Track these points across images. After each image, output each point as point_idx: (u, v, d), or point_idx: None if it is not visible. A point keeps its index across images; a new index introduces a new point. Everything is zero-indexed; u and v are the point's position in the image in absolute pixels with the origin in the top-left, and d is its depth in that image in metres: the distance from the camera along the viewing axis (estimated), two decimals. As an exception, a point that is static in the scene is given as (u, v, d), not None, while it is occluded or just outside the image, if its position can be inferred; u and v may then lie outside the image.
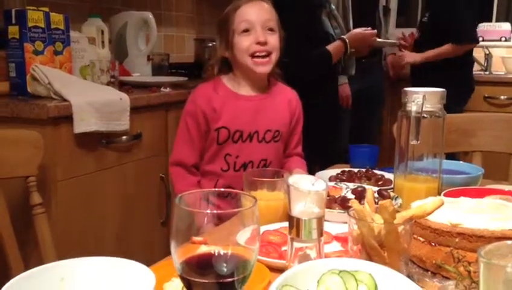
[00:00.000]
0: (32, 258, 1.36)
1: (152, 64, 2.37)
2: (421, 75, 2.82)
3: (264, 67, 1.41)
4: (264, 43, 1.39)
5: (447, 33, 2.72)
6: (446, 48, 2.76)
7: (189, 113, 1.43)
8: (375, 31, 2.19)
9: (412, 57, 2.93)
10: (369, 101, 2.77)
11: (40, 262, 0.65)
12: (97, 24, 2.06)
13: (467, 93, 2.93)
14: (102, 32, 2.06)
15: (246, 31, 1.39)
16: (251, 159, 1.43)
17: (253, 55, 1.39)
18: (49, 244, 1.25)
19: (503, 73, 3.57)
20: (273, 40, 1.41)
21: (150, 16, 2.28)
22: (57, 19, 1.73)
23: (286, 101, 1.50)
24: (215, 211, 0.50)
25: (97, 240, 1.70)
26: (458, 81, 2.80)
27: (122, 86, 1.97)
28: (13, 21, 1.63)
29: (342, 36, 2.12)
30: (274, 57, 1.42)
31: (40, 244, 1.25)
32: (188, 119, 1.43)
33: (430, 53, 2.80)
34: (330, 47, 2.08)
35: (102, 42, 2.07)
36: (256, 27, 1.39)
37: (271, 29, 1.41)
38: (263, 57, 1.40)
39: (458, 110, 2.50)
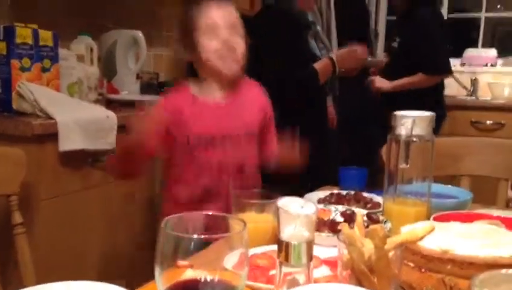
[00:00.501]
0: (12, 279, 1.31)
1: (141, 83, 2.36)
2: (391, 100, 2.71)
3: (231, 67, 1.38)
4: (231, 43, 1.37)
5: (419, 62, 2.66)
6: (418, 78, 2.67)
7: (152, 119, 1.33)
8: (365, 47, 2.13)
9: (381, 82, 2.81)
10: (363, 120, 2.79)
11: (20, 284, 0.62)
12: (86, 42, 2.05)
13: (439, 119, 2.93)
14: (92, 50, 2.05)
15: (212, 32, 1.36)
16: (225, 161, 1.39)
17: (221, 57, 1.36)
18: (29, 266, 1.22)
19: (489, 98, 3.62)
20: (240, 41, 1.39)
21: (139, 34, 2.28)
22: (46, 36, 1.72)
23: (255, 99, 1.48)
24: (202, 236, 0.49)
25: (80, 261, 1.66)
26: (429, 108, 2.79)
27: (110, 103, 1.95)
28: (1, 37, 1.61)
29: (329, 55, 2.09)
30: (241, 57, 1.39)
31: (20, 265, 1.22)
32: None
33: (401, 82, 2.72)
34: (317, 65, 2.06)
35: (91, 60, 2.06)
36: (222, 28, 1.37)
37: (236, 31, 1.39)
38: (230, 57, 1.37)
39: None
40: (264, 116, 1.48)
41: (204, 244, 0.49)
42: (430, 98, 2.71)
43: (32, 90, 1.58)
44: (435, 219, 0.97)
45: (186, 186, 1.40)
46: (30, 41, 1.66)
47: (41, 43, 1.70)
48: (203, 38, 1.36)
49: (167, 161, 1.44)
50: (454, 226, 0.83)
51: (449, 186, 1.27)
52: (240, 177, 1.41)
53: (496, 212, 1.09)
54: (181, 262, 0.50)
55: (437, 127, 2.84)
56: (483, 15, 4.15)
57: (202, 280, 0.50)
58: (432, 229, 0.68)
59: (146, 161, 1.38)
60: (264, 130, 1.49)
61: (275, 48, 1.96)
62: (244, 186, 1.39)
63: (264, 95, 1.52)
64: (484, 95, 3.74)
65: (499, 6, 4.33)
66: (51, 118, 1.51)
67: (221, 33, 1.36)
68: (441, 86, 2.88)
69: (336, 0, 2.75)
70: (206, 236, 0.49)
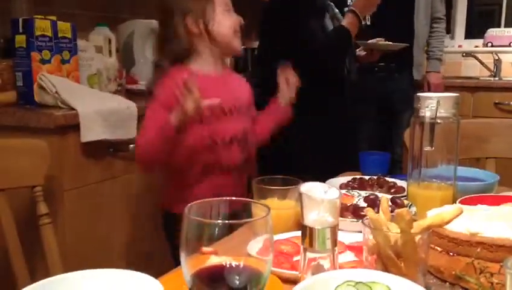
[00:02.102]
0: (38, 269, 1.34)
1: (159, 73, 2.36)
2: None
3: (240, 44, 1.50)
4: (242, 23, 1.48)
5: None
6: None
7: (160, 102, 1.36)
8: None
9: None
10: (392, 107, 2.75)
11: (47, 274, 0.63)
12: (104, 33, 2.05)
13: None
14: (110, 41, 2.06)
15: (228, 10, 1.46)
16: (234, 132, 1.45)
17: (235, 32, 1.46)
18: (56, 256, 1.24)
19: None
20: None
21: (156, 24, 2.28)
22: (64, 28, 1.73)
23: (239, 78, 1.59)
24: (226, 221, 0.48)
25: (105, 250, 1.68)
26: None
27: (129, 94, 1.96)
28: (20, 30, 1.63)
29: (350, 8, 2.00)
30: None
31: (47, 256, 1.23)
32: (157, 107, 1.36)
33: None
34: (344, 23, 1.99)
35: (110, 51, 2.06)
36: (232, 10, 1.47)
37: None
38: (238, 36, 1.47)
39: None
40: (249, 96, 1.56)
41: (228, 230, 0.49)
42: None
43: (54, 82, 1.59)
44: (461, 203, 0.95)
45: (192, 159, 1.42)
46: (49, 33, 1.67)
47: (60, 35, 1.71)
48: (222, 15, 1.44)
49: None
50: (482, 209, 0.82)
51: (475, 169, 1.24)
52: (245, 147, 1.49)
53: (524, 194, 1.06)
54: (205, 248, 0.49)
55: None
56: (505, -7, 4.03)
57: (227, 266, 0.49)
58: (460, 213, 0.67)
59: (173, 146, 1.36)
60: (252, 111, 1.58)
61: (296, 23, 1.92)
62: (248, 158, 1.51)
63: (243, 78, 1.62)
64: (508, 76, 3.65)
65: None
66: (72, 109, 1.52)
67: (233, 15, 1.47)
68: None
69: None
70: (230, 222, 0.48)
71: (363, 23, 1.99)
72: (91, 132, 1.53)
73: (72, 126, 1.50)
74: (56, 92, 1.57)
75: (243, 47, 2.67)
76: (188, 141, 1.39)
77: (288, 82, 1.55)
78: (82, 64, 1.83)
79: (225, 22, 1.44)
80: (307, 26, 1.92)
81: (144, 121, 1.41)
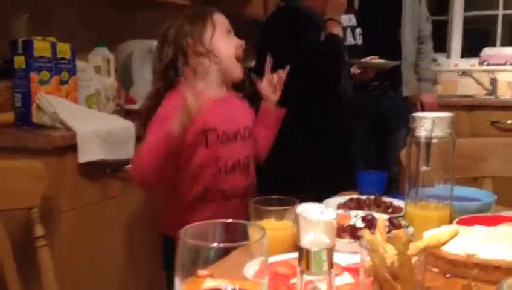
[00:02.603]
0: (34, 291, 1.33)
1: (158, 93, 2.37)
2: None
3: (241, 70, 1.48)
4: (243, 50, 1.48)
5: None
6: None
7: (165, 118, 1.30)
8: None
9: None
10: (387, 124, 2.77)
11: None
12: (103, 53, 2.07)
13: None
14: (109, 61, 2.07)
15: (228, 35, 1.46)
16: (238, 158, 1.44)
17: (236, 58, 1.46)
18: (52, 278, 1.23)
19: (509, 97, 3.56)
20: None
21: (155, 44, 2.30)
22: (64, 49, 1.74)
23: (243, 100, 1.56)
24: (221, 244, 0.48)
25: (102, 271, 1.66)
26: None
27: (128, 114, 1.96)
28: (19, 51, 1.64)
29: (326, 17, 2.06)
30: None
31: (43, 278, 1.22)
32: (158, 121, 1.33)
33: None
34: (329, 30, 2.04)
35: (108, 71, 2.08)
36: (232, 33, 1.48)
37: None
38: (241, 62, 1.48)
39: None
40: (250, 119, 1.54)
41: (224, 253, 0.48)
42: None
43: (52, 102, 1.60)
44: (459, 223, 0.95)
45: (194, 184, 1.40)
46: (48, 54, 1.68)
47: (59, 56, 1.72)
48: (220, 39, 1.44)
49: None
50: (479, 229, 0.82)
51: (472, 188, 1.24)
52: (248, 174, 1.48)
53: (521, 214, 1.06)
54: (201, 271, 0.49)
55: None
56: (500, 12, 4.09)
57: (223, 289, 0.49)
58: (456, 233, 0.67)
59: (173, 162, 1.34)
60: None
61: (293, 39, 1.95)
62: (250, 184, 1.49)
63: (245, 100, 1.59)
64: (504, 94, 3.68)
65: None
66: (70, 129, 1.53)
67: (234, 38, 1.47)
68: None
69: None
70: (226, 245, 0.48)
71: (354, 43, 2.03)
72: (89, 152, 1.53)
73: (70, 147, 1.50)
74: (54, 113, 1.57)
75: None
76: (192, 163, 1.38)
77: (271, 82, 1.52)
78: (81, 84, 1.84)
79: (226, 44, 1.45)
80: (307, 37, 1.95)
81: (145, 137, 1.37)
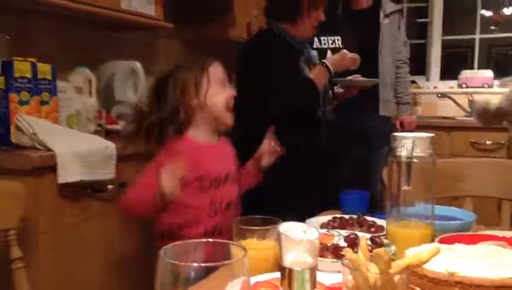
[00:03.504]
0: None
1: (140, 113, 2.36)
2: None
3: (232, 118, 1.55)
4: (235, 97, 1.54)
5: None
6: None
7: (157, 165, 1.39)
8: (357, 56, 2.13)
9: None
10: (370, 143, 2.80)
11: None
12: (84, 73, 2.06)
13: None
14: (90, 81, 2.06)
15: (223, 85, 1.53)
16: (231, 198, 1.53)
17: (227, 108, 1.52)
18: (28, 301, 1.20)
19: (487, 118, 3.63)
20: None
21: (137, 65, 2.30)
22: (44, 69, 1.73)
23: (230, 144, 1.64)
24: (202, 264, 0.48)
25: (80, 294, 1.63)
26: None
27: (109, 134, 1.95)
28: (-1, 71, 1.62)
29: (322, 60, 2.11)
30: None
31: (19, 301, 1.19)
32: (154, 168, 1.40)
33: None
34: (311, 74, 2.07)
35: (90, 91, 2.06)
36: (227, 84, 1.55)
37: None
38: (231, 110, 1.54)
39: None
40: (235, 162, 1.62)
41: (205, 273, 0.48)
42: None
43: (31, 123, 1.58)
44: (440, 241, 0.96)
45: (193, 226, 1.46)
46: (29, 75, 1.67)
47: (39, 76, 1.71)
48: (216, 89, 1.51)
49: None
50: (460, 248, 0.82)
51: (452, 207, 1.26)
52: (238, 211, 1.57)
53: (501, 233, 1.07)
54: (181, 292, 0.48)
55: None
56: (477, 36, 4.19)
57: (203, 310, 0.48)
58: (437, 252, 0.67)
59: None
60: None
61: (269, 67, 1.98)
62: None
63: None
64: (482, 116, 3.75)
65: (492, 27, 4.39)
66: (49, 150, 1.50)
67: (227, 89, 1.54)
68: None
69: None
70: (206, 264, 0.48)
71: (332, 72, 2.06)
72: (68, 173, 1.51)
73: (49, 167, 1.48)
74: (33, 133, 1.55)
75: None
76: (190, 207, 1.46)
77: (270, 151, 1.59)
78: (61, 104, 1.82)
79: (219, 96, 1.51)
80: (278, 74, 1.97)
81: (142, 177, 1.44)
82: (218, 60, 1.57)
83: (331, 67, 2.05)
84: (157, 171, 1.35)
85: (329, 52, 2.59)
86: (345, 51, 2.13)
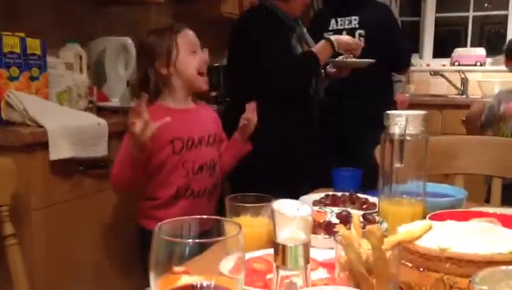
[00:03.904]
0: (4, 291, 1.29)
1: (131, 90, 2.34)
2: (347, 96, 2.61)
3: (206, 83, 1.62)
4: (207, 63, 1.62)
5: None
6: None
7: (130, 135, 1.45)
8: (362, 43, 2.14)
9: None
10: (360, 122, 2.79)
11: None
12: (75, 49, 2.03)
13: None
14: (81, 57, 2.03)
15: (194, 52, 1.58)
16: (204, 160, 1.59)
17: (199, 73, 1.59)
18: (22, 277, 1.20)
19: (479, 97, 3.64)
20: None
21: (129, 41, 2.27)
22: (34, 45, 1.70)
23: (208, 111, 1.72)
24: (197, 240, 0.48)
25: (74, 271, 1.63)
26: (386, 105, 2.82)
27: (101, 111, 1.93)
28: (-12, 47, 1.59)
29: (327, 36, 2.08)
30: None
31: (13, 278, 1.19)
32: (128, 139, 1.46)
33: None
34: (314, 48, 2.05)
35: (81, 68, 2.04)
36: (199, 49, 1.60)
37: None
38: (205, 75, 1.61)
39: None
40: (217, 127, 1.69)
41: (199, 249, 0.48)
42: (389, 96, 2.79)
43: (21, 99, 1.56)
44: (431, 218, 0.96)
45: (167, 186, 1.54)
46: (18, 50, 1.64)
47: (29, 52, 1.68)
48: (184, 56, 1.56)
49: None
50: (452, 224, 0.83)
51: (444, 185, 1.27)
52: (214, 174, 1.63)
53: (491, 209, 1.08)
54: (176, 268, 0.49)
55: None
56: (471, 14, 4.18)
57: (198, 285, 0.49)
58: (430, 228, 0.67)
59: (144, 167, 1.49)
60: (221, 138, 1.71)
61: (261, 42, 1.97)
62: (216, 183, 1.65)
63: (217, 116, 1.74)
64: (474, 94, 3.76)
65: (486, 5, 4.37)
66: (40, 126, 1.49)
67: (198, 52, 1.59)
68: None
69: None
70: (201, 241, 0.48)
71: (336, 49, 2.03)
72: (60, 149, 1.50)
73: (40, 144, 1.47)
74: (24, 109, 1.54)
75: (216, 64, 2.69)
76: (163, 168, 1.53)
77: (249, 121, 1.65)
78: (52, 81, 1.80)
79: (189, 63, 1.57)
80: (269, 51, 1.95)
81: (118, 153, 1.51)
82: (190, 28, 1.62)
83: (335, 45, 2.02)
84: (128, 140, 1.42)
85: (344, 33, 2.51)
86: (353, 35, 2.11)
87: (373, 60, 2.34)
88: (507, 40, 2.68)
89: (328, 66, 2.30)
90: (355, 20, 2.59)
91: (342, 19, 2.61)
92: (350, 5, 2.56)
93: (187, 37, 1.59)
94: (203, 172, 1.58)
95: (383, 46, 2.48)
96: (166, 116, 1.41)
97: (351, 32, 2.53)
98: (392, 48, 2.57)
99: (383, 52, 2.43)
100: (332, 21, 2.63)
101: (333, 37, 2.07)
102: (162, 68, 1.56)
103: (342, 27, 2.62)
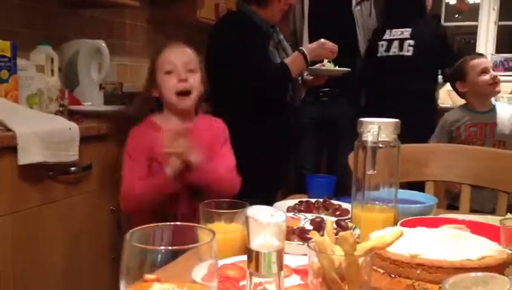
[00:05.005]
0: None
1: (104, 93, 2.31)
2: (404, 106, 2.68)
3: (185, 103, 1.58)
4: (185, 80, 1.56)
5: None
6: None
7: (131, 151, 1.55)
8: (336, 46, 2.15)
9: None
10: (337, 131, 2.81)
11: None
12: (46, 51, 1.99)
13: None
14: (52, 60, 1.99)
15: (169, 72, 1.56)
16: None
17: (177, 93, 1.56)
18: (-12, 285, 1.16)
19: (449, 105, 3.72)
20: (193, 80, 1.58)
21: (102, 44, 2.24)
22: (4, 46, 1.66)
23: (209, 129, 1.66)
24: (169, 247, 0.47)
25: (42, 278, 1.59)
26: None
27: (73, 115, 1.90)
28: (-45, 47, 1.55)
29: (300, 48, 2.12)
30: (195, 94, 1.59)
31: (-23, 285, 1.16)
32: (130, 154, 1.54)
33: None
34: (287, 60, 2.08)
35: (52, 70, 2.00)
36: (178, 68, 1.56)
37: (191, 70, 1.59)
38: (184, 94, 1.57)
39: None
40: (213, 143, 1.63)
41: (172, 256, 0.47)
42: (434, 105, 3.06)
43: (-11, 101, 1.52)
44: (402, 225, 0.98)
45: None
46: (-14, 51, 1.60)
47: (-2, 53, 1.64)
48: (161, 77, 1.57)
49: None
50: (422, 231, 0.84)
51: (415, 191, 1.29)
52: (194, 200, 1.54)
53: (461, 216, 1.11)
54: (148, 276, 0.48)
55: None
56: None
57: (170, 293, 0.48)
58: (401, 235, 0.68)
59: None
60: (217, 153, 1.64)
61: (239, 49, 1.98)
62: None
63: (222, 128, 1.70)
64: (444, 103, 3.84)
65: (457, 16, 4.48)
66: (9, 130, 1.45)
67: (175, 72, 1.56)
68: None
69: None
70: (174, 248, 0.47)
71: (308, 60, 2.07)
72: (29, 154, 1.46)
73: (9, 148, 1.43)
74: (-8, 112, 1.50)
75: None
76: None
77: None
78: (22, 83, 1.76)
79: (165, 85, 1.57)
80: (248, 59, 1.97)
81: (122, 172, 1.53)
82: (177, 41, 1.63)
83: (307, 55, 2.05)
84: (130, 159, 1.49)
85: (395, 43, 2.76)
86: (323, 40, 2.14)
87: (348, 69, 2.37)
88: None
89: (305, 74, 2.33)
90: (407, 31, 2.79)
91: (396, 30, 2.81)
92: (403, 18, 2.79)
93: (163, 56, 1.59)
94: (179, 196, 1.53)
95: (432, 55, 2.74)
96: (153, 132, 1.48)
97: (401, 41, 2.77)
98: (441, 55, 2.77)
99: (432, 61, 2.74)
100: (387, 32, 2.83)
101: (304, 47, 2.11)
102: (150, 90, 1.61)
103: (394, 37, 2.81)
